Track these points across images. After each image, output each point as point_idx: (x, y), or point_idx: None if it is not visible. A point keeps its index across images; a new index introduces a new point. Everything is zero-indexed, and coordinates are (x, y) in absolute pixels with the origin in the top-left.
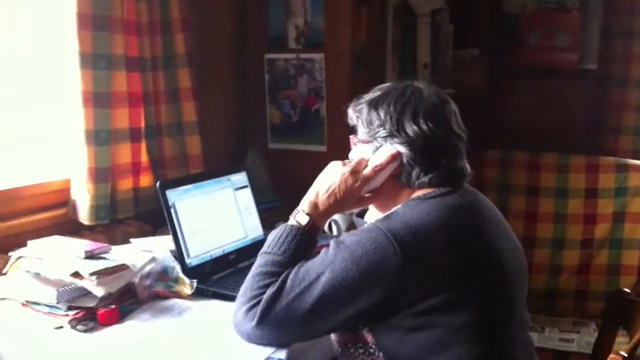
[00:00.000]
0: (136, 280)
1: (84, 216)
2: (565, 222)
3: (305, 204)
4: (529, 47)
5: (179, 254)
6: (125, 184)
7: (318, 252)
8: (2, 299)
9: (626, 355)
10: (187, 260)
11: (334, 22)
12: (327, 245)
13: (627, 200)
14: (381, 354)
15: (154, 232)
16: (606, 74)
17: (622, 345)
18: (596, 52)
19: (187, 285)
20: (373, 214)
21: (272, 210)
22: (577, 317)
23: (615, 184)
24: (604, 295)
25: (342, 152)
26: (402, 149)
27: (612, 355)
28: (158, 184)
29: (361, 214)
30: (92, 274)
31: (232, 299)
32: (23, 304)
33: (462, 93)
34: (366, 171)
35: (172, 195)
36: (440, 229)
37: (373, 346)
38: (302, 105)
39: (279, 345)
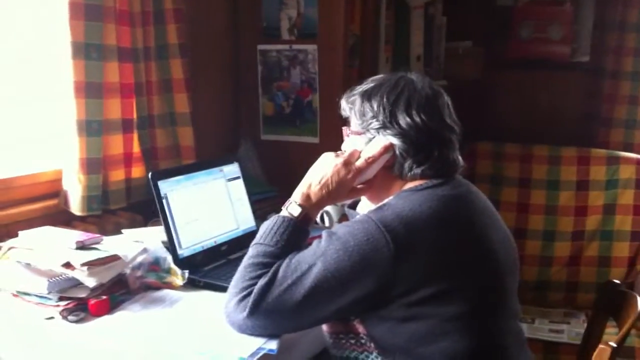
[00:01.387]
0: (127, 270)
1: (75, 207)
2: (557, 214)
3: (297, 195)
4: (522, 40)
5: (170, 245)
6: (117, 174)
7: (310, 244)
8: None
9: (615, 345)
10: (179, 251)
11: (328, 13)
12: (319, 237)
13: (618, 192)
14: (373, 345)
15: (145, 223)
16: (598, 66)
17: (611, 335)
18: (588, 44)
19: (178, 276)
20: (365, 205)
21: (265, 201)
22: (568, 308)
23: (606, 176)
24: (594, 287)
25: (334, 144)
26: (395, 141)
27: (601, 346)
28: (150, 174)
29: (353, 205)
30: (83, 264)
31: (223, 289)
32: (14, 294)
33: (455, 85)
34: (359, 162)
35: (164, 186)
36: (432, 221)
37: (364, 337)
38: (295, 96)
39: (271, 336)
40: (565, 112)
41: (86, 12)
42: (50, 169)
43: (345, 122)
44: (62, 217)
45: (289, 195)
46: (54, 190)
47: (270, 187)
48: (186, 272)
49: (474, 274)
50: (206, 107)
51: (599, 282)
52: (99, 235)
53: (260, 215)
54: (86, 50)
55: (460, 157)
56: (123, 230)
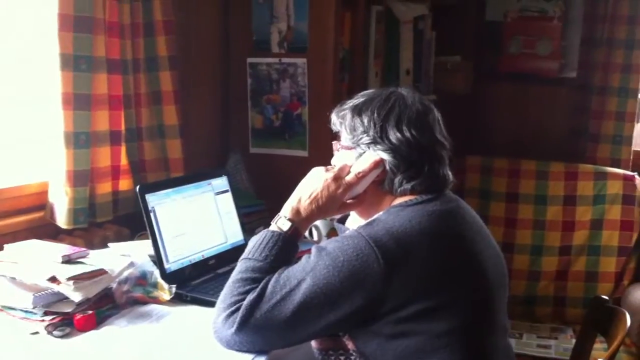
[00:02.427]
0: (114, 285)
1: (62, 220)
2: (544, 229)
3: (287, 210)
4: (511, 55)
5: (157, 259)
6: (105, 187)
7: (299, 258)
8: None
9: None
10: (166, 265)
11: (318, 27)
12: (309, 251)
13: (606, 207)
14: None
15: (132, 237)
16: (586, 82)
17: (599, 352)
18: (576, 60)
19: (165, 291)
20: (355, 221)
21: (254, 214)
22: (556, 323)
23: (594, 192)
24: (582, 302)
25: (324, 158)
26: (385, 156)
27: None
28: (138, 187)
29: (342, 220)
30: (69, 278)
31: (211, 304)
32: None
33: (444, 99)
34: (349, 177)
35: (152, 199)
36: (422, 236)
37: (354, 353)
38: (284, 109)
39: (259, 352)
40: (554, 127)
41: (75, 24)
42: (36, 181)
43: (336, 136)
44: (48, 230)
45: (278, 209)
46: (40, 203)
47: (259, 201)
48: (173, 287)
49: (464, 290)
50: (195, 119)
51: (587, 297)
52: (85, 249)
53: (249, 229)
54: (75, 62)
55: (450, 173)
56: (110, 244)
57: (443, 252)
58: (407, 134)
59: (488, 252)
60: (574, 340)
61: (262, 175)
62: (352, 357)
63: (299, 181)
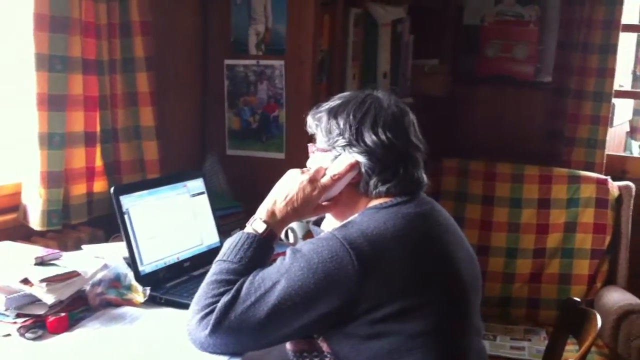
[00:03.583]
0: (87, 287)
1: (35, 221)
2: (519, 232)
3: (262, 212)
4: (488, 58)
5: (132, 261)
6: (79, 188)
7: (274, 261)
8: None
9: None
10: (140, 268)
11: (296, 29)
12: (284, 254)
13: (579, 211)
14: None
15: (107, 239)
16: (562, 86)
17: (572, 353)
18: (552, 64)
19: (139, 293)
20: (330, 223)
21: (230, 216)
22: (530, 325)
23: (567, 195)
24: (555, 304)
25: (300, 160)
26: (361, 158)
27: None
28: (112, 189)
29: (318, 222)
30: (42, 280)
31: (185, 306)
32: None
33: (421, 102)
34: (324, 180)
35: (127, 200)
36: (396, 238)
37: (328, 355)
38: (261, 111)
39: (233, 354)
40: (530, 130)
41: (51, 24)
42: (9, 182)
43: (311, 138)
44: (21, 232)
45: (255, 211)
46: (14, 204)
47: (236, 202)
48: (147, 289)
49: (438, 291)
50: (172, 121)
51: (560, 299)
52: (58, 250)
53: (225, 230)
54: (50, 62)
55: (424, 175)
56: (83, 246)
57: (416, 254)
58: (383, 137)
59: (462, 254)
60: (546, 342)
61: (238, 178)
62: (327, 359)
63: (276, 183)
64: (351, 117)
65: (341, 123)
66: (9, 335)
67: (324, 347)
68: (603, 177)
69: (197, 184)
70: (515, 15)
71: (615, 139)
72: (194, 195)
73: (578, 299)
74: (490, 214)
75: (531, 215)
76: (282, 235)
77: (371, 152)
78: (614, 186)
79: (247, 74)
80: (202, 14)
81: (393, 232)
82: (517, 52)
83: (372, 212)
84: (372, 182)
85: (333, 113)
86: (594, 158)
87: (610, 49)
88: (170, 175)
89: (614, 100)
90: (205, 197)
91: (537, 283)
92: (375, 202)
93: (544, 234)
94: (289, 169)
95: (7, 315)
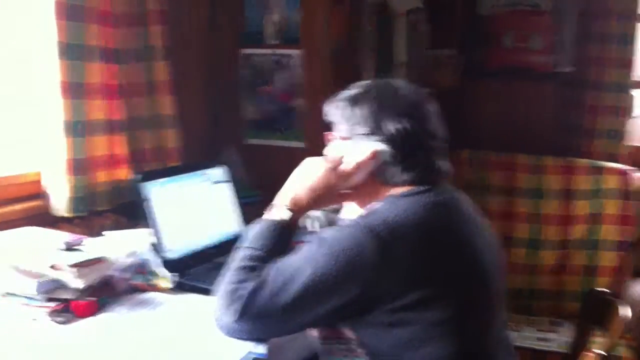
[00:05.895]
0: (114, 273)
1: (61, 208)
2: (541, 223)
3: (284, 199)
4: (503, 48)
5: (157, 248)
6: (103, 176)
7: (295, 248)
8: None
9: (603, 354)
10: (166, 254)
11: (311, 18)
12: (304, 242)
13: (603, 202)
14: (362, 350)
15: (131, 225)
16: (581, 77)
17: (598, 344)
18: (571, 54)
19: (165, 279)
20: (350, 211)
21: (250, 205)
22: (554, 316)
23: (591, 186)
24: (580, 296)
25: (319, 148)
26: (382, 147)
27: (588, 354)
28: (135, 176)
29: (337, 211)
30: (71, 265)
31: (209, 292)
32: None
33: (437, 92)
34: (346, 168)
35: (149, 188)
36: (418, 227)
37: (354, 342)
38: (278, 101)
39: (259, 340)
40: (546, 121)
41: (69, 13)
42: (33, 170)
43: (330, 127)
44: (45, 219)
45: (273, 199)
46: (37, 192)
47: (256, 192)
48: (173, 275)
49: (459, 281)
50: (190, 110)
51: (585, 290)
52: (84, 236)
53: (245, 219)
54: (69, 51)
55: (448, 164)
56: (107, 232)
57: (438, 243)
58: (404, 125)
59: (484, 243)
60: (573, 334)
61: (257, 167)
62: (353, 346)
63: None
64: (372, 105)
65: (362, 111)
66: (38, 319)
67: (349, 334)
68: (627, 168)
69: (219, 172)
70: (531, 5)
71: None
72: (216, 183)
73: (601, 289)
74: (511, 205)
75: (554, 206)
76: (305, 224)
77: (392, 140)
78: (639, 178)
79: (264, 64)
80: (217, 3)
81: (414, 220)
82: (533, 42)
83: (394, 201)
84: (393, 171)
85: (353, 101)
86: (617, 149)
87: (628, 40)
88: (192, 163)
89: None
90: (227, 184)
91: (561, 275)
92: (396, 191)
93: (568, 225)
94: (307, 157)
95: (37, 300)
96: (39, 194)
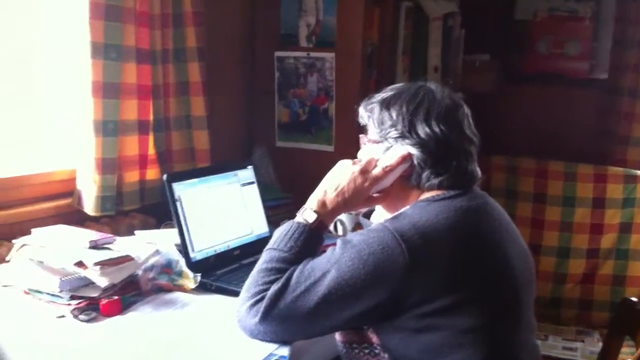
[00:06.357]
0: (140, 272)
1: (89, 207)
2: (572, 231)
3: (313, 202)
4: (539, 54)
5: (183, 248)
6: (132, 176)
7: (323, 252)
8: (4, 286)
9: None
10: (191, 254)
11: (346, 21)
12: (333, 245)
13: (635, 211)
14: (386, 355)
15: (158, 225)
16: (617, 84)
17: (627, 355)
18: (607, 61)
19: (190, 279)
20: (380, 215)
21: (278, 207)
22: (581, 326)
23: (623, 195)
24: (608, 306)
25: (350, 153)
26: (413, 150)
27: None
28: (164, 176)
29: (367, 214)
30: (96, 263)
31: (235, 294)
32: (25, 292)
33: (471, 97)
34: (376, 171)
35: (178, 188)
36: (448, 232)
37: (378, 347)
38: (311, 104)
39: (282, 342)
40: (580, 129)
41: (106, 13)
42: (64, 168)
43: (362, 130)
44: (75, 217)
45: (303, 202)
46: (68, 190)
47: (286, 194)
48: (198, 276)
49: (489, 287)
50: (222, 111)
51: (614, 301)
52: (111, 235)
53: (273, 221)
54: (105, 51)
55: (478, 169)
56: (136, 232)
57: (468, 248)
58: (436, 129)
59: (515, 249)
60: (600, 344)
61: (287, 169)
62: (376, 351)
63: (324, 175)
64: (404, 108)
65: (394, 114)
66: (63, 316)
67: (374, 339)
68: None
69: (248, 174)
70: (569, 10)
71: None
72: (244, 185)
73: (635, 299)
74: (542, 212)
75: (585, 214)
76: (332, 228)
77: (424, 144)
78: None
79: (298, 66)
80: (252, 5)
81: (445, 225)
82: (570, 48)
83: (424, 205)
84: (424, 175)
85: (386, 104)
86: None
87: None
88: (221, 164)
89: None
90: (255, 186)
91: (589, 284)
92: (427, 195)
93: (598, 234)
94: (337, 161)
95: (62, 297)
96: (70, 192)
